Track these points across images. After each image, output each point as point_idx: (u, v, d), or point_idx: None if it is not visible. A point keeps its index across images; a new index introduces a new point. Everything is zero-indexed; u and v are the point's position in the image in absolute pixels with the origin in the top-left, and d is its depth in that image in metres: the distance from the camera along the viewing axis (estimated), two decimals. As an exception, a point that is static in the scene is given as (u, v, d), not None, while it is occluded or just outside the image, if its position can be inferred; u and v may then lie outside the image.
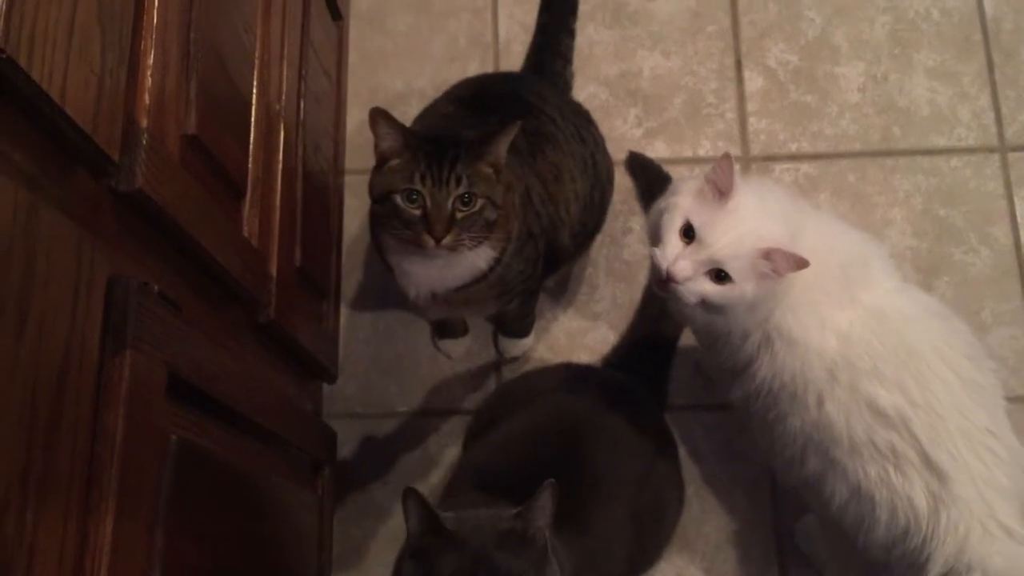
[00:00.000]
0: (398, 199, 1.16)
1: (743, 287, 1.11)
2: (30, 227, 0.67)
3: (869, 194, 1.69)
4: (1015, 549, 1.07)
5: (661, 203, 1.19)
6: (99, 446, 0.76)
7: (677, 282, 1.12)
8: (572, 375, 1.48)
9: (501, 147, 1.20)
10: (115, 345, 0.79)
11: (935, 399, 1.10)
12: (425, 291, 1.29)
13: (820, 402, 1.15)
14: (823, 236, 1.18)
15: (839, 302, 1.16)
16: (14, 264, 0.64)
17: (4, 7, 0.63)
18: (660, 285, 1.15)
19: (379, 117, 1.18)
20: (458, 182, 1.15)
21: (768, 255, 1.09)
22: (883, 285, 1.19)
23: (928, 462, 1.09)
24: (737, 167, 1.14)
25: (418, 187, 1.15)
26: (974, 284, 1.64)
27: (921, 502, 1.10)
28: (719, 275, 1.12)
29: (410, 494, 1.01)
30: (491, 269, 1.27)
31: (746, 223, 1.11)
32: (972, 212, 1.68)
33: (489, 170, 1.20)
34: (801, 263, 1.09)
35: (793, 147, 1.73)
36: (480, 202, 1.17)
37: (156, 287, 0.86)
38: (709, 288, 1.13)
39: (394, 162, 1.19)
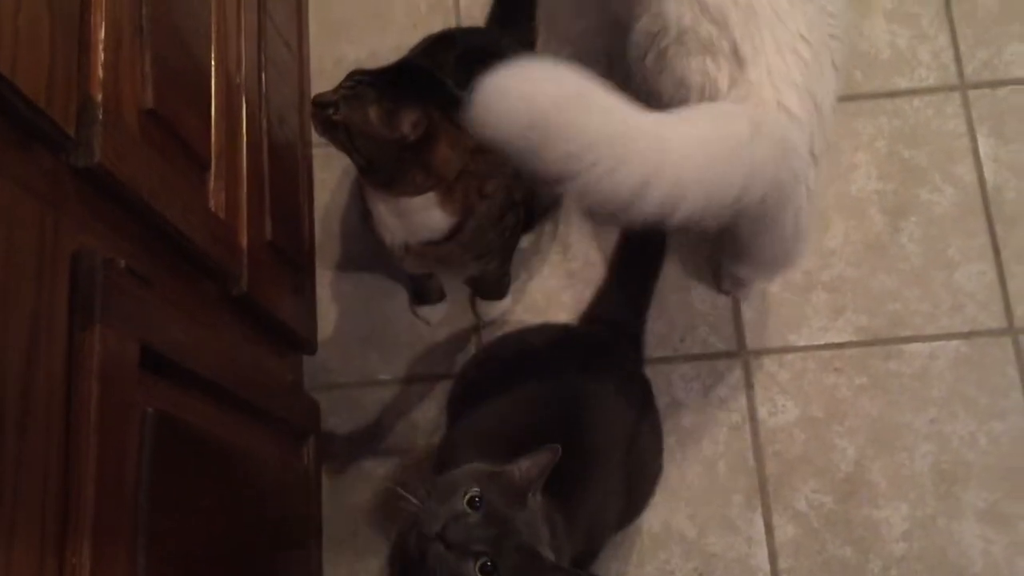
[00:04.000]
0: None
1: None
2: (-14, 202, 0.67)
3: (834, 140, 1.70)
4: (788, 124, 1.20)
5: None
6: (74, 422, 0.77)
7: None
8: (555, 336, 1.48)
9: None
10: (83, 321, 0.79)
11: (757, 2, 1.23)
12: (399, 240, 1.31)
13: None
14: None
15: None
16: (-27, 240, 0.65)
17: (-54, -16, 0.64)
18: None
19: None
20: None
21: None
22: None
23: (735, 51, 1.22)
24: None
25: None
26: (940, 222, 1.66)
27: (723, 84, 1.23)
28: None
29: None
30: (452, 235, 1.27)
31: None
32: (936, 151, 1.69)
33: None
34: None
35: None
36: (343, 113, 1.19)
37: (123, 262, 0.87)
38: None
39: None
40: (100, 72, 0.86)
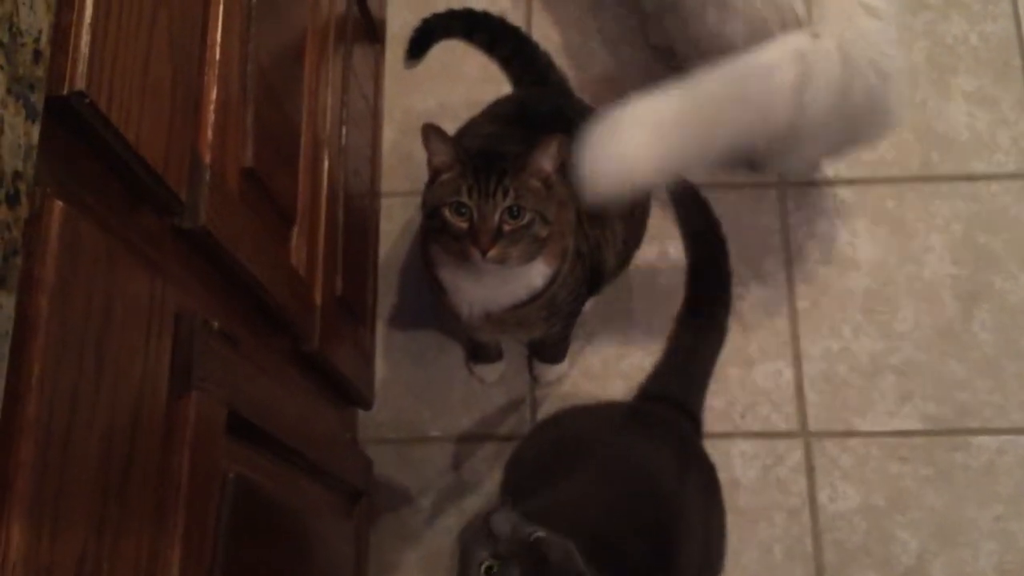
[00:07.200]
0: (446, 212, 1.15)
1: None
2: (109, 271, 0.66)
3: (908, 220, 1.68)
4: (873, 24, 1.30)
5: None
6: (166, 489, 0.75)
7: None
8: (623, 415, 1.43)
9: (542, 158, 1.17)
10: (181, 386, 0.78)
11: None
12: (479, 310, 1.28)
13: None
14: None
15: None
16: (94, 311, 0.63)
17: (87, 52, 0.63)
18: None
19: (431, 132, 1.18)
20: (505, 194, 1.14)
21: None
22: None
23: None
24: None
25: (465, 200, 1.14)
26: (1014, 312, 1.63)
27: (800, 8, 1.29)
28: None
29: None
30: (546, 287, 1.26)
31: None
32: (1012, 239, 1.66)
33: (538, 184, 1.18)
34: None
35: (830, 173, 1.72)
36: (529, 216, 1.15)
37: (216, 323, 0.86)
38: None
39: (445, 176, 1.18)
40: (210, 133, 0.85)
